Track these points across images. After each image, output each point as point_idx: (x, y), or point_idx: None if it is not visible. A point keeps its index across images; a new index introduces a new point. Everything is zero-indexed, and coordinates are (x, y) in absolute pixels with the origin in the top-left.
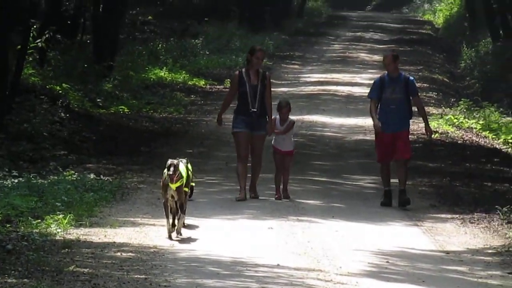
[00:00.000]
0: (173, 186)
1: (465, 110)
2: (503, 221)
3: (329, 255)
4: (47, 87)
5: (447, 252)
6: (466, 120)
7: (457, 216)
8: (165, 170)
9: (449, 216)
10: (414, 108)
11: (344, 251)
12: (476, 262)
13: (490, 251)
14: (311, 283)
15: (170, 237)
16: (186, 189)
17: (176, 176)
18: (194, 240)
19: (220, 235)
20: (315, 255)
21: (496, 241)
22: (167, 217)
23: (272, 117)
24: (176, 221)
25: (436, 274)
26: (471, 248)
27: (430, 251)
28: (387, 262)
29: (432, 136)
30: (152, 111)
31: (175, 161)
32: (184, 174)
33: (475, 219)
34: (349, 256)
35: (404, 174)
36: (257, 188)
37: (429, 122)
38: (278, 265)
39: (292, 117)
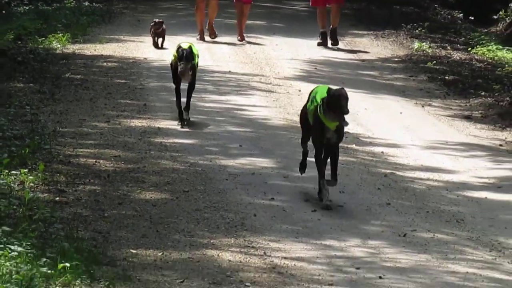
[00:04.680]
0: (332, 125)
1: None
2: (407, 36)
3: (269, 63)
4: None
5: (363, 60)
6: None
7: (372, 32)
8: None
9: (365, 32)
10: None
11: (281, 60)
12: (385, 68)
13: (396, 59)
14: (255, 85)
15: (326, 206)
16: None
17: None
18: (165, 53)
19: None
20: (258, 63)
21: (401, 51)
22: (322, 178)
23: None
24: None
25: (353, 78)
26: (381, 57)
27: (349, 59)
28: (315, 68)
29: None
30: None
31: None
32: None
33: (386, 34)
34: (285, 64)
35: (337, 15)
36: (215, 29)
37: None
38: (229, 71)
39: None
